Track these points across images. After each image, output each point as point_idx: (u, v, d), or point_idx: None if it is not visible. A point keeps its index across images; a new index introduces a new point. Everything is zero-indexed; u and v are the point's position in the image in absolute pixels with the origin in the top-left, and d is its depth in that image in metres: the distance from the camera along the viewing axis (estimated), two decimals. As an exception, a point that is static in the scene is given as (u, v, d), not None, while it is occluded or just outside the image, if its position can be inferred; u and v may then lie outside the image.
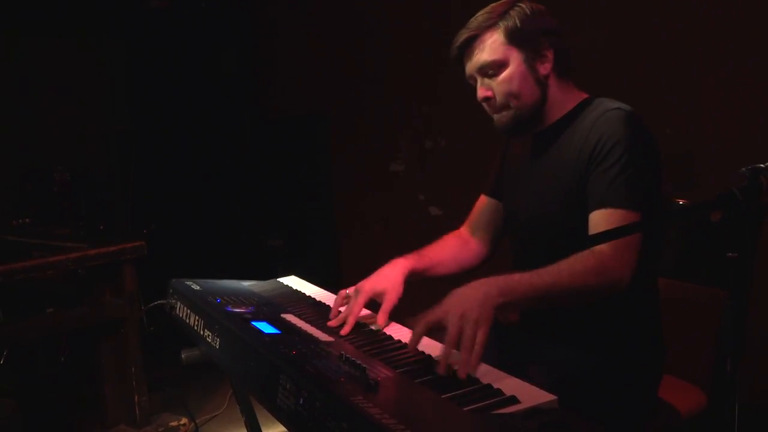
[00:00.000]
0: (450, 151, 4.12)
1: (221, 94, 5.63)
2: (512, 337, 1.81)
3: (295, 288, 2.33)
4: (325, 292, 2.27)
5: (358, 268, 4.89)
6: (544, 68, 1.89)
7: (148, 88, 5.46)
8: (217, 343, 1.83)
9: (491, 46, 1.88)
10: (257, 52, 5.72)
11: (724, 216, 1.27)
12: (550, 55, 1.89)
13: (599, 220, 1.75)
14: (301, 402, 1.32)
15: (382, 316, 1.88)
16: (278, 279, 2.46)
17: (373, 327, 1.87)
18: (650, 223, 1.77)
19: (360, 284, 1.99)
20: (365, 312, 1.95)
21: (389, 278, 2.00)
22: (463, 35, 1.91)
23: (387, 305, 1.92)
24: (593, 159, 1.79)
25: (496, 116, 1.95)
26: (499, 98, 1.90)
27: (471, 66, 1.92)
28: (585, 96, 1.97)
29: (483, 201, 2.27)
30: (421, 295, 2.02)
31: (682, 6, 2.92)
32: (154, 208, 5.37)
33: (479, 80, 1.93)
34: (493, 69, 1.88)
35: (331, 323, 1.88)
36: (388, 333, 1.79)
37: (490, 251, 2.26)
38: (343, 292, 2.02)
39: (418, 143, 4.30)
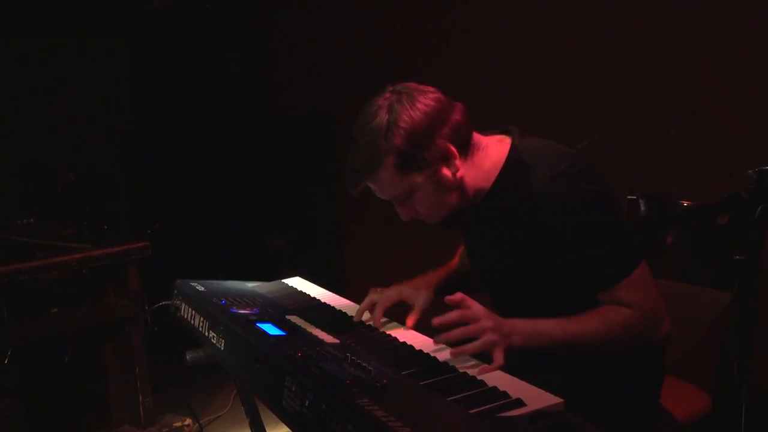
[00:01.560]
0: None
1: (225, 94, 5.63)
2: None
3: (299, 289, 2.33)
4: (330, 293, 2.27)
5: (362, 268, 4.92)
6: (453, 167, 1.76)
7: (152, 87, 5.46)
8: (222, 345, 1.83)
9: (390, 183, 1.77)
10: (261, 52, 5.72)
11: (732, 218, 1.26)
12: (452, 150, 1.75)
13: (617, 296, 1.68)
14: (306, 404, 1.32)
15: (410, 322, 1.91)
16: (283, 280, 2.46)
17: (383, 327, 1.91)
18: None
19: (394, 286, 2.02)
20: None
21: (422, 288, 2.03)
22: (358, 183, 1.80)
23: (416, 313, 1.94)
24: (563, 240, 1.68)
25: (428, 221, 1.89)
26: (423, 213, 1.84)
27: (381, 195, 1.84)
28: (504, 146, 1.83)
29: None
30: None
31: (687, 7, 2.91)
32: (158, 208, 5.37)
33: (396, 204, 1.85)
34: (404, 197, 1.80)
35: (357, 315, 1.95)
36: (393, 335, 1.79)
37: None
38: (374, 291, 2.02)
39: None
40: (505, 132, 1.88)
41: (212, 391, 3.91)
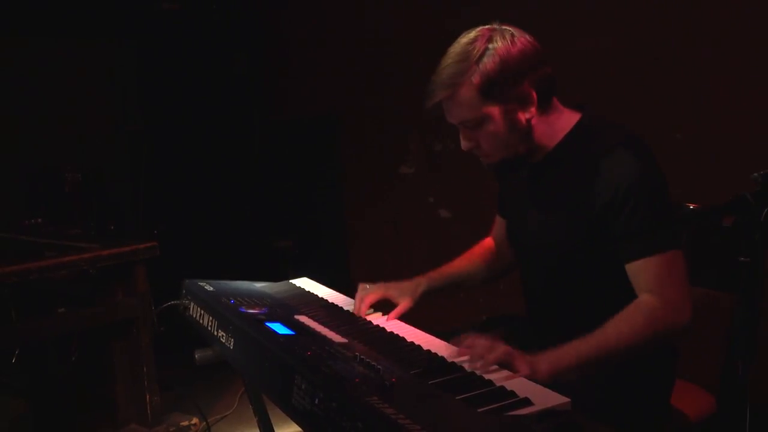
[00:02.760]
0: (460, 154, 4.10)
1: (232, 96, 5.65)
2: (525, 341, 1.82)
3: (307, 290, 2.34)
4: (337, 293, 2.28)
5: (368, 270, 4.92)
6: (528, 113, 1.79)
7: (159, 89, 5.48)
8: (231, 344, 1.85)
9: (468, 104, 1.77)
10: (268, 54, 5.74)
11: (737, 220, 1.28)
12: (532, 96, 1.78)
13: (644, 269, 1.69)
14: (316, 402, 1.33)
15: (392, 316, 2.00)
16: (290, 281, 2.48)
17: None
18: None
19: (382, 284, 2.10)
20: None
21: (408, 289, 2.10)
22: (437, 94, 1.79)
23: (399, 309, 2.04)
24: (613, 205, 1.72)
25: (484, 161, 1.89)
26: (484, 148, 1.84)
27: (452, 117, 1.84)
28: (575, 117, 1.88)
29: (497, 220, 2.27)
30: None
31: (693, 10, 2.92)
32: (164, 208, 5.39)
33: (461, 131, 1.86)
34: (474, 124, 1.80)
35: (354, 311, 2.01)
36: (401, 335, 1.81)
37: (509, 265, 2.26)
38: (362, 285, 2.11)
39: (428, 146, 4.32)
40: (579, 108, 1.92)
41: (219, 391, 3.93)
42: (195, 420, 3.45)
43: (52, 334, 3.45)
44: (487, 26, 1.83)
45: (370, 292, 2.07)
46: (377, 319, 1.97)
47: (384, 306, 2.09)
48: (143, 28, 5.40)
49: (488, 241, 2.30)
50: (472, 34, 1.81)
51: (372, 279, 2.16)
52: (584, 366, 1.63)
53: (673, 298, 1.67)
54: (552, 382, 1.55)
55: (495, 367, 1.52)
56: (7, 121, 4.88)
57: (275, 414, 2.30)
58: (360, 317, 2.01)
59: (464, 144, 1.86)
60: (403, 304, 2.06)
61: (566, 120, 1.87)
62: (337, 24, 4.99)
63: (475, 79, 1.74)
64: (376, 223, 4.81)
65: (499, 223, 2.25)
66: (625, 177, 1.71)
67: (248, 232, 5.64)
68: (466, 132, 1.84)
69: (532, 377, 1.51)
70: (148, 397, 3.29)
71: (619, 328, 1.66)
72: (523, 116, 1.79)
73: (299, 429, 1.80)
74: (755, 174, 1.27)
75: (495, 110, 1.77)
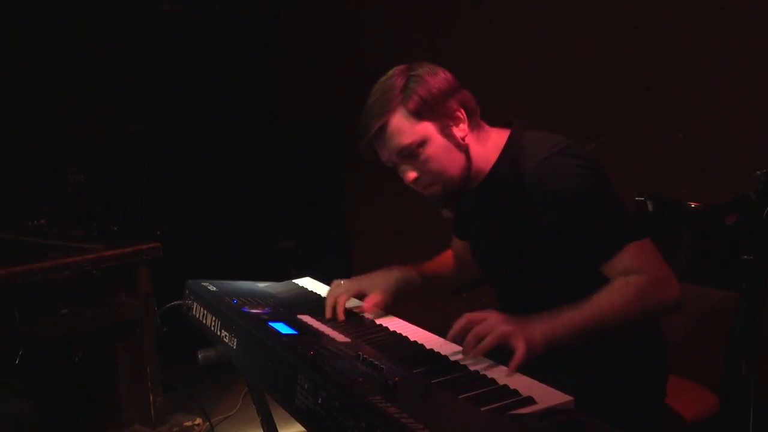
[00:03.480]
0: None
1: (234, 97, 5.66)
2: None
3: (310, 289, 2.34)
4: (340, 293, 2.28)
5: (369, 269, 4.89)
6: (461, 131, 1.82)
7: (161, 90, 5.48)
8: (235, 344, 1.85)
9: (404, 129, 1.78)
10: (270, 54, 5.75)
11: (740, 218, 1.28)
12: (462, 114, 1.82)
13: (621, 260, 1.69)
14: (319, 401, 1.34)
15: (366, 304, 2.00)
16: (293, 280, 2.48)
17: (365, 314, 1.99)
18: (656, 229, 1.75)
19: (351, 279, 2.06)
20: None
21: (381, 280, 2.07)
22: (372, 125, 1.80)
23: (371, 299, 2.02)
24: (563, 219, 1.72)
25: (426, 193, 1.90)
26: (426, 177, 1.84)
27: (388, 152, 1.84)
28: (505, 134, 1.89)
29: (455, 240, 2.29)
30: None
31: (695, 9, 2.92)
32: (167, 209, 5.40)
33: (402, 165, 1.86)
34: (411, 150, 1.80)
35: (327, 312, 1.97)
36: (404, 334, 1.81)
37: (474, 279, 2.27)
38: (335, 282, 2.07)
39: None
40: (508, 125, 1.93)
41: (222, 391, 3.93)
42: (198, 420, 3.45)
43: (55, 335, 3.45)
44: (401, 65, 1.87)
45: (342, 292, 2.01)
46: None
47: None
48: (145, 30, 5.41)
49: (449, 254, 2.32)
50: (389, 72, 1.86)
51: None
52: (577, 337, 1.64)
53: (659, 274, 1.68)
54: (547, 352, 1.59)
55: (498, 365, 1.52)
56: (10, 121, 4.88)
57: (278, 414, 2.31)
58: (362, 317, 2.01)
59: (409, 175, 1.86)
60: (374, 296, 2.02)
61: (496, 138, 1.89)
62: (339, 24, 4.99)
63: (405, 102, 1.78)
64: (378, 222, 4.81)
65: (457, 243, 2.27)
66: (562, 190, 1.71)
67: (251, 232, 5.64)
68: (406, 163, 1.85)
69: (530, 353, 1.53)
70: (151, 397, 3.29)
71: (611, 300, 1.66)
72: (458, 133, 1.82)
73: (303, 429, 1.80)
74: (758, 172, 1.27)
75: (431, 128, 1.80)
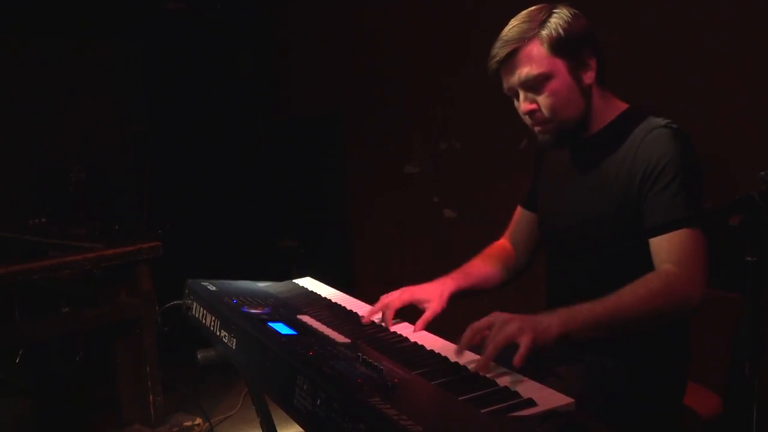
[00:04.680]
0: (465, 154, 4.12)
1: (237, 95, 5.65)
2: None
3: (310, 289, 2.33)
4: (341, 293, 2.27)
5: (372, 269, 4.90)
6: (588, 77, 1.84)
7: (164, 89, 5.48)
8: (234, 344, 1.84)
9: (535, 59, 1.79)
10: (272, 53, 5.75)
11: (744, 220, 1.26)
12: (593, 63, 1.84)
13: (669, 240, 1.70)
14: (318, 403, 1.32)
15: (419, 325, 1.87)
16: (293, 280, 2.47)
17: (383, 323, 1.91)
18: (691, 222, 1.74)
19: (405, 288, 1.99)
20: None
21: (435, 291, 1.99)
22: (504, 49, 1.81)
23: (428, 314, 1.91)
24: (646, 179, 1.75)
25: (538, 129, 1.89)
26: (545, 111, 1.84)
27: (513, 80, 1.84)
28: (624, 106, 1.92)
29: (519, 213, 2.24)
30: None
31: (697, 8, 2.91)
32: (169, 208, 5.39)
33: (522, 94, 1.85)
34: (538, 82, 1.81)
35: (367, 315, 1.92)
36: (404, 335, 1.80)
37: (529, 262, 2.23)
38: (384, 297, 1.99)
39: (433, 145, 4.31)
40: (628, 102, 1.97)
41: (223, 391, 3.93)
42: (198, 420, 3.44)
43: (56, 334, 3.45)
44: (543, 3, 1.89)
45: (394, 299, 1.95)
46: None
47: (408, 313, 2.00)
48: (148, 28, 5.41)
49: (502, 243, 2.26)
50: (531, 8, 1.87)
51: (375, 279, 2.13)
52: (597, 328, 1.62)
53: (692, 271, 1.68)
54: (563, 342, 1.57)
55: (499, 366, 1.50)
56: (12, 120, 4.89)
57: (278, 414, 2.29)
58: (363, 318, 1.99)
59: (524, 106, 1.86)
60: (432, 308, 1.93)
61: (618, 104, 1.93)
62: (341, 23, 4.99)
63: (544, 33, 1.80)
64: (381, 222, 4.81)
65: (520, 220, 2.22)
66: (662, 152, 1.75)
67: (252, 231, 5.64)
68: (526, 94, 1.85)
69: (539, 345, 1.52)
70: (151, 397, 3.29)
71: (635, 291, 1.65)
72: (585, 78, 1.84)
73: (302, 430, 1.79)
74: (762, 172, 1.25)
75: (561, 65, 1.81)
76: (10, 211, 4.72)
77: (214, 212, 5.53)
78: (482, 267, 2.17)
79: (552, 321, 1.58)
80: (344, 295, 2.25)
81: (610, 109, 1.91)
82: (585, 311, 1.62)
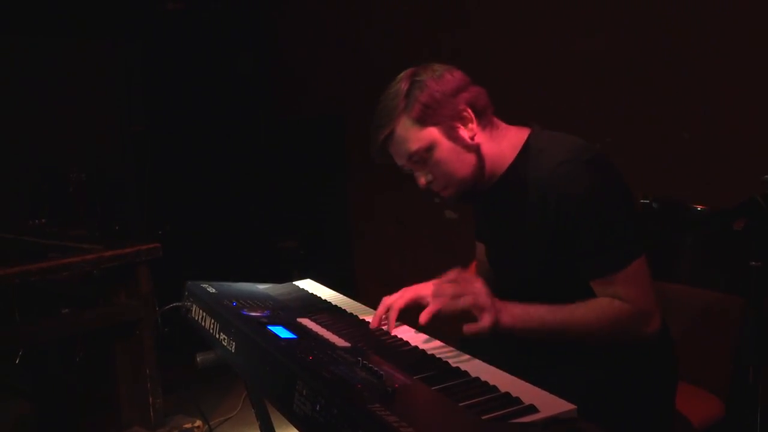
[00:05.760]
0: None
1: (236, 96, 5.64)
2: (526, 348, 1.79)
3: (311, 292, 2.32)
4: (341, 296, 2.26)
5: (372, 270, 4.89)
6: (469, 131, 1.81)
7: (163, 89, 5.47)
8: (233, 347, 1.83)
9: (408, 137, 1.80)
10: (272, 54, 5.74)
11: (748, 224, 1.25)
12: (469, 114, 1.81)
13: (610, 284, 1.69)
14: (317, 408, 1.31)
15: (425, 315, 1.80)
16: (294, 282, 2.45)
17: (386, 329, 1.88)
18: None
19: (406, 288, 1.98)
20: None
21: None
22: (378, 135, 1.83)
23: (433, 307, 1.83)
24: (567, 225, 1.70)
25: (442, 194, 1.89)
26: (438, 181, 1.85)
27: (399, 158, 1.86)
28: (524, 135, 1.86)
29: (477, 244, 2.24)
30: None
31: (701, 9, 2.90)
32: (169, 209, 5.38)
33: (414, 170, 1.87)
34: (421, 157, 1.81)
35: (373, 322, 1.90)
36: (405, 339, 1.79)
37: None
38: (386, 298, 1.98)
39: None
40: (527, 126, 1.92)
41: (222, 393, 3.92)
42: (198, 422, 3.44)
43: (55, 335, 3.44)
44: (410, 68, 1.87)
45: (398, 298, 1.93)
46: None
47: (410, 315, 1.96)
48: (148, 29, 5.40)
49: (472, 267, 2.27)
50: (398, 77, 1.87)
51: (376, 280, 2.12)
52: (539, 334, 1.70)
53: (644, 308, 1.69)
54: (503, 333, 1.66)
55: (501, 372, 1.49)
56: (11, 121, 4.88)
57: (277, 418, 2.28)
58: (364, 321, 1.98)
59: (421, 181, 1.87)
60: (436, 303, 1.89)
61: (514, 137, 1.87)
62: (342, 23, 4.98)
63: (408, 110, 1.79)
64: (381, 223, 4.80)
65: (479, 248, 2.22)
66: (571, 196, 1.69)
67: (253, 232, 5.63)
68: (418, 168, 1.86)
69: (491, 328, 1.63)
70: (151, 399, 3.28)
71: (587, 315, 1.69)
72: (465, 133, 1.81)
73: (301, 434, 1.77)
74: (766, 176, 1.24)
75: (436, 132, 1.80)
76: (8, 211, 4.71)
77: (214, 213, 5.52)
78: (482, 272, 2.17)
79: (506, 308, 1.68)
80: (344, 297, 2.24)
81: (507, 147, 1.86)
82: (536, 318, 1.70)
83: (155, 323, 3.30)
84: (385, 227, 4.77)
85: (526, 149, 1.84)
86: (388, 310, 1.91)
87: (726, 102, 2.86)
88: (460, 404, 1.31)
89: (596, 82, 3.33)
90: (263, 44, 5.72)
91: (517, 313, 1.69)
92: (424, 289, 1.95)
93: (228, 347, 1.85)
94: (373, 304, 2.07)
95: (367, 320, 1.96)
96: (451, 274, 1.72)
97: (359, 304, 2.15)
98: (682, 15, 2.97)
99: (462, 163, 1.82)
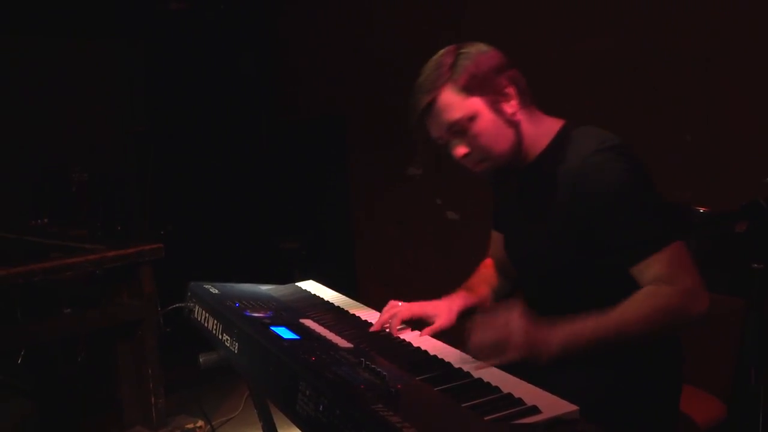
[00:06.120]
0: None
1: (239, 97, 5.65)
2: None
3: (313, 293, 2.32)
4: (344, 297, 2.27)
5: (374, 271, 4.89)
6: (511, 107, 1.83)
7: (166, 89, 5.48)
8: (236, 348, 1.83)
9: (453, 104, 1.80)
10: (275, 54, 5.74)
11: (750, 226, 1.26)
12: (511, 91, 1.83)
13: (651, 266, 1.66)
14: (320, 409, 1.32)
15: (426, 333, 1.88)
16: (296, 283, 2.46)
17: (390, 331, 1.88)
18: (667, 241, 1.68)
19: (414, 302, 1.99)
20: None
21: (444, 307, 1.99)
22: (421, 101, 1.83)
23: (435, 326, 1.91)
24: (601, 215, 1.70)
25: (476, 169, 1.89)
26: (475, 153, 1.84)
27: (438, 129, 1.86)
28: (559, 124, 1.89)
29: (493, 236, 2.23)
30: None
31: (702, 10, 2.90)
32: (171, 209, 5.39)
33: (451, 140, 1.86)
34: (462, 126, 1.81)
35: (376, 326, 1.90)
36: (407, 340, 1.79)
37: (511, 285, 2.21)
38: (393, 302, 1.99)
39: (436, 147, 4.29)
40: (562, 118, 1.94)
41: (224, 393, 3.92)
42: (200, 422, 3.44)
43: (57, 335, 3.45)
44: (451, 45, 1.89)
45: (402, 310, 1.94)
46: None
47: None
48: (151, 29, 5.41)
49: (488, 262, 2.26)
50: (439, 52, 1.88)
51: (377, 281, 2.12)
52: (596, 346, 1.64)
53: (688, 285, 1.64)
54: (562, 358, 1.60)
55: (503, 373, 1.49)
56: (14, 120, 4.88)
57: (280, 418, 2.29)
58: (366, 322, 1.98)
59: (457, 152, 1.86)
60: (440, 323, 1.93)
61: (550, 125, 1.90)
62: (345, 24, 4.98)
63: (454, 78, 1.80)
64: (383, 224, 4.80)
65: (495, 242, 2.21)
66: (605, 185, 1.70)
67: (255, 232, 5.63)
68: (456, 139, 1.85)
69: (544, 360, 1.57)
70: (153, 399, 3.29)
71: (638, 311, 1.64)
72: (507, 108, 1.82)
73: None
74: (768, 179, 1.25)
75: (480, 103, 1.80)
76: (11, 211, 4.71)
77: (217, 213, 5.52)
78: (481, 287, 2.16)
79: (553, 338, 1.61)
80: (347, 298, 2.25)
81: (543, 132, 1.88)
82: (588, 329, 1.64)
83: (157, 323, 3.30)
84: (387, 228, 4.77)
85: (560, 137, 1.86)
86: (392, 317, 1.92)
87: (728, 104, 2.86)
88: (463, 405, 1.32)
89: (597, 84, 3.33)
90: (265, 45, 5.72)
91: (563, 336, 1.63)
92: (431, 308, 1.97)
93: (231, 348, 1.85)
94: (375, 305, 2.08)
95: (369, 321, 1.97)
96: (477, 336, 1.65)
97: (361, 305, 2.16)
98: (683, 15, 2.97)
99: (501, 137, 1.83)
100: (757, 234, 1.24)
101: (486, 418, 1.26)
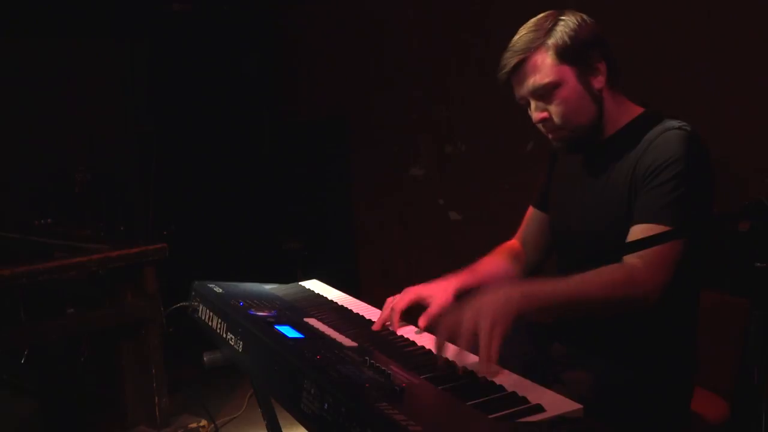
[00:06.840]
0: (470, 156, 4.12)
1: (242, 97, 5.66)
2: (545, 346, 1.80)
3: (317, 292, 2.33)
4: (348, 296, 2.27)
5: (376, 271, 4.89)
6: (598, 82, 1.84)
7: (169, 90, 5.49)
8: (240, 347, 1.83)
9: (543, 68, 1.81)
10: (278, 55, 5.75)
11: (753, 225, 1.26)
12: (602, 67, 1.84)
13: (638, 232, 1.71)
14: (325, 407, 1.32)
15: (424, 319, 1.86)
16: (300, 283, 2.46)
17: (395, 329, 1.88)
18: (679, 234, 1.69)
19: (407, 288, 1.98)
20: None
21: (439, 287, 1.98)
22: (512, 59, 1.84)
23: (432, 309, 1.89)
24: (646, 177, 1.75)
25: (552, 136, 1.90)
26: (556, 119, 1.85)
27: (523, 89, 1.86)
28: (639, 109, 1.92)
29: (531, 213, 2.22)
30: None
31: (703, 8, 2.90)
32: (174, 209, 5.40)
33: (533, 103, 1.87)
34: (547, 91, 1.82)
35: (377, 325, 1.90)
36: (411, 339, 1.79)
37: (541, 262, 2.21)
38: (390, 299, 1.98)
39: (438, 148, 4.30)
40: (645, 105, 1.97)
41: (228, 393, 3.93)
42: (204, 422, 3.45)
43: (61, 335, 3.46)
44: (550, 10, 1.90)
45: (398, 301, 1.93)
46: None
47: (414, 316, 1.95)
48: (154, 29, 5.42)
49: (512, 244, 2.23)
50: (539, 15, 1.89)
51: (380, 281, 2.12)
52: (554, 308, 1.65)
53: (655, 271, 1.66)
54: (518, 321, 1.56)
55: (508, 372, 1.50)
56: (18, 121, 4.89)
57: (284, 417, 2.29)
58: (370, 321, 1.99)
59: (536, 115, 1.87)
60: (437, 303, 1.91)
61: (632, 107, 1.93)
62: (348, 25, 4.99)
63: (550, 42, 1.81)
64: (386, 225, 4.80)
65: (532, 220, 2.20)
66: (668, 152, 1.74)
67: (258, 232, 5.64)
68: (537, 103, 1.86)
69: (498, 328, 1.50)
70: (156, 398, 3.30)
71: (600, 277, 1.66)
72: (595, 82, 1.84)
73: (308, 433, 1.78)
74: (772, 178, 1.25)
75: (569, 72, 1.82)
76: (15, 211, 4.72)
77: (220, 214, 5.53)
78: (491, 263, 2.14)
79: (512, 296, 1.56)
80: (351, 297, 2.25)
81: (624, 112, 1.90)
82: (548, 289, 1.63)
83: (161, 323, 3.31)
84: (389, 228, 4.77)
85: (639, 120, 1.88)
86: (391, 312, 1.92)
87: (731, 103, 2.86)
88: (467, 403, 1.32)
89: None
90: (269, 45, 5.73)
91: (526, 291, 1.60)
92: (425, 290, 1.96)
93: (235, 347, 1.86)
94: (378, 304, 2.08)
95: (373, 320, 1.97)
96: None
97: (365, 304, 2.16)
98: (683, 15, 2.97)
99: (583, 109, 1.85)
100: (761, 233, 1.24)
101: (490, 416, 1.26)
